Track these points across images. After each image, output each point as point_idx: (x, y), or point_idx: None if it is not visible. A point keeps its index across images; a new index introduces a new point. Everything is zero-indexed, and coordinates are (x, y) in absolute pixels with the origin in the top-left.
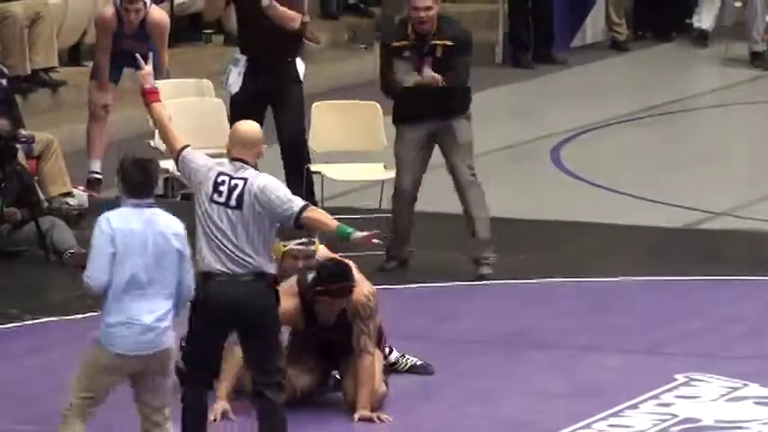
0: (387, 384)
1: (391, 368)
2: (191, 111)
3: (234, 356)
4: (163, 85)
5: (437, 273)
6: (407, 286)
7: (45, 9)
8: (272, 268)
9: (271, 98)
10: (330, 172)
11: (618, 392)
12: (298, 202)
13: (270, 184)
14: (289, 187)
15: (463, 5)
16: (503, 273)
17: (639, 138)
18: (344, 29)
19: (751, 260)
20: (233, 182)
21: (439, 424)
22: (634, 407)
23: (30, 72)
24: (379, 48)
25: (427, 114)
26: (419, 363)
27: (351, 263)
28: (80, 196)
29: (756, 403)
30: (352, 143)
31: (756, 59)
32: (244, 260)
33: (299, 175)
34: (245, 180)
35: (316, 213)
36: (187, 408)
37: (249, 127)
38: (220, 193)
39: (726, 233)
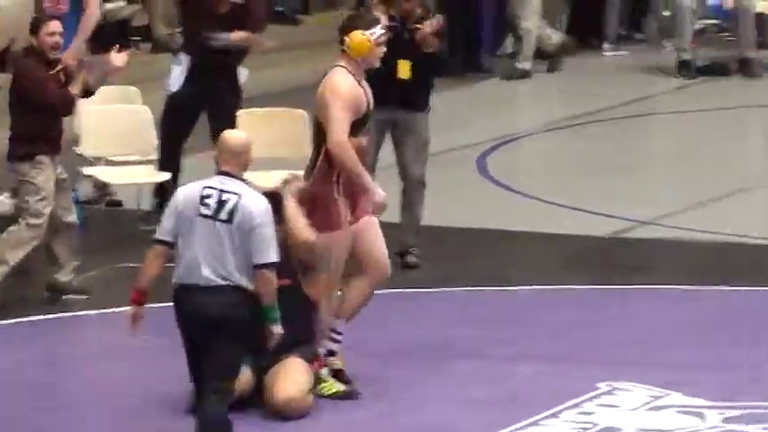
0: (313, 395)
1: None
2: (117, 118)
3: None
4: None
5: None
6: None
7: None
8: (250, 285)
9: (207, 102)
10: (256, 179)
11: (539, 401)
12: (270, 256)
13: (264, 220)
14: None
15: None
16: (428, 281)
17: (565, 146)
18: (271, 36)
19: (674, 269)
20: (223, 195)
21: None
22: (555, 415)
23: None
24: None
25: (391, 101)
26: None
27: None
28: (2, 204)
29: (679, 412)
30: (279, 150)
31: (683, 68)
32: (224, 274)
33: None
34: (239, 195)
35: (269, 280)
36: (200, 424)
37: (235, 135)
38: (207, 206)
39: (649, 242)
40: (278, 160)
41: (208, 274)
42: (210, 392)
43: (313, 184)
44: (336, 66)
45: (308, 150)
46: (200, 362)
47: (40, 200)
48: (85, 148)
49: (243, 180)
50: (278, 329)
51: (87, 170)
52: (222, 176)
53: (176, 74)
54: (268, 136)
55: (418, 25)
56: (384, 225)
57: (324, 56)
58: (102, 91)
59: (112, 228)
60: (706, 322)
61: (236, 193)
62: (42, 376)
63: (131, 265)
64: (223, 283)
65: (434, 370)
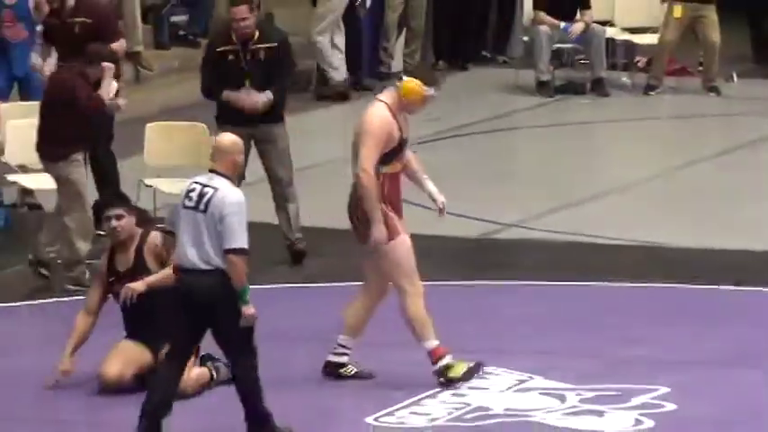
0: (212, 371)
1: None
2: None
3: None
4: None
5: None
6: None
7: None
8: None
9: None
10: (162, 185)
11: (418, 383)
12: (239, 241)
13: (233, 209)
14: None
15: None
16: (311, 277)
17: (436, 157)
18: (174, 58)
19: (536, 267)
20: (205, 189)
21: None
22: (432, 396)
23: None
24: (205, 48)
25: (248, 119)
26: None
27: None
28: None
29: (541, 394)
30: (182, 159)
31: (542, 88)
32: (206, 258)
33: (110, 188)
34: (217, 189)
35: (236, 264)
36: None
37: (226, 138)
38: (191, 199)
39: (514, 243)
40: (180, 168)
41: (193, 259)
42: (239, 361)
43: None
44: (378, 100)
45: (207, 159)
46: (185, 337)
47: None
48: (10, 157)
49: (229, 178)
50: (250, 310)
51: (12, 177)
52: (211, 173)
53: None
54: (173, 146)
55: (259, 45)
56: (268, 227)
57: None
58: (25, 105)
59: (35, 228)
60: (565, 315)
61: (215, 188)
62: None
63: None
64: (206, 266)
65: (321, 354)
